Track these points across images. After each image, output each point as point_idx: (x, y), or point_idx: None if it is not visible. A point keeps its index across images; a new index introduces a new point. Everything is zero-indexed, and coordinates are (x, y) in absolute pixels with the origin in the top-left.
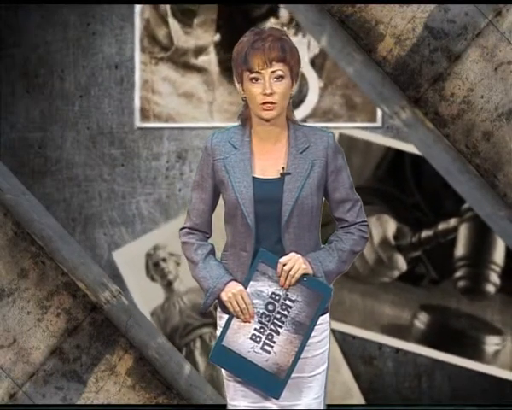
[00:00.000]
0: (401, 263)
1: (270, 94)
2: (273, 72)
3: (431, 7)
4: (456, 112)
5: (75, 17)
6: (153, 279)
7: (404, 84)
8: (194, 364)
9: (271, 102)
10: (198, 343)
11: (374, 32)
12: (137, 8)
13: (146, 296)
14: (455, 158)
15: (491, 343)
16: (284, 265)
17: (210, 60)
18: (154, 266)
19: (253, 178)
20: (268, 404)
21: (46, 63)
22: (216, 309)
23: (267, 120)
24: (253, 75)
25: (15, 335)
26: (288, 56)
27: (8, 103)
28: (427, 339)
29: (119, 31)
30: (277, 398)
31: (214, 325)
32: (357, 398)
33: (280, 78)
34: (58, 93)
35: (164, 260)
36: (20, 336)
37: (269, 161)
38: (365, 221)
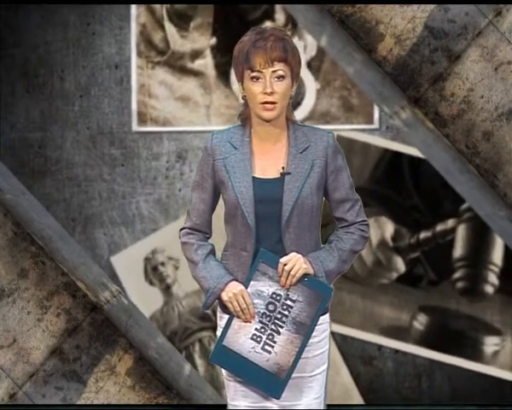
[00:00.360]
0: (399, 264)
1: (271, 93)
2: (274, 71)
3: (431, 7)
4: (457, 112)
5: (75, 17)
6: (151, 283)
7: (405, 84)
8: (194, 367)
9: (272, 102)
10: (197, 347)
11: (374, 31)
12: (133, 10)
13: (145, 300)
14: (455, 158)
15: (491, 344)
16: (285, 265)
17: (206, 63)
18: (153, 271)
19: (253, 178)
20: (268, 404)
21: (46, 63)
22: (215, 312)
23: (267, 121)
24: (254, 74)
25: (15, 335)
26: (290, 57)
27: (8, 103)
28: (426, 340)
29: (119, 31)
30: (278, 398)
31: (213, 329)
32: (357, 399)
33: (281, 77)
34: (58, 93)
35: (162, 264)
36: (20, 337)
37: (269, 160)
38: (365, 221)
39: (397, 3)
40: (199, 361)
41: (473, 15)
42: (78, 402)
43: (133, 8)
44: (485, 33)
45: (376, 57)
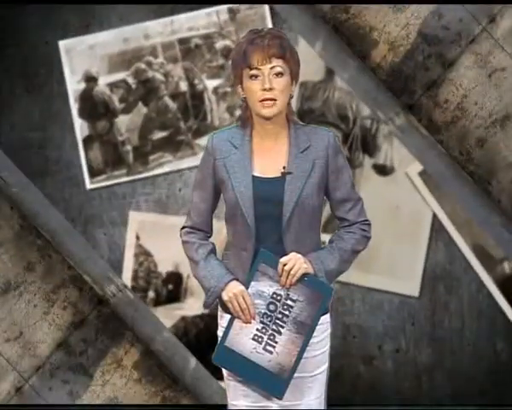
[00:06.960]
0: None
1: (270, 89)
2: (272, 68)
3: (425, 14)
4: (450, 118)
5: (75, 17)
6: None
7: (399, 91)
8: None
9: (271, 99)
10: None
11: (368, 38)
12: None
13: None
14: (449, 164)
15: None
16: (285, 265)
17: None
18: None
19: (253, 176)
20: (269, 404)
21: (46, 63)
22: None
23: (268, 118)
24: (253, 72)
25: (22, 328)
26: (288, 54)
27: (8, 103)
28: None
29: None
30: (281, 398)
31: None
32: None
33: (279, 74)
34: (58, 93)
35: None
36: (26, 330)
37: (269, 159)
38: (367, 220)
39: (391, 3)
40: None
41: (466, 22)
42: (85, 395)
43: None
44: (478, 40)
45: (370, 64)
